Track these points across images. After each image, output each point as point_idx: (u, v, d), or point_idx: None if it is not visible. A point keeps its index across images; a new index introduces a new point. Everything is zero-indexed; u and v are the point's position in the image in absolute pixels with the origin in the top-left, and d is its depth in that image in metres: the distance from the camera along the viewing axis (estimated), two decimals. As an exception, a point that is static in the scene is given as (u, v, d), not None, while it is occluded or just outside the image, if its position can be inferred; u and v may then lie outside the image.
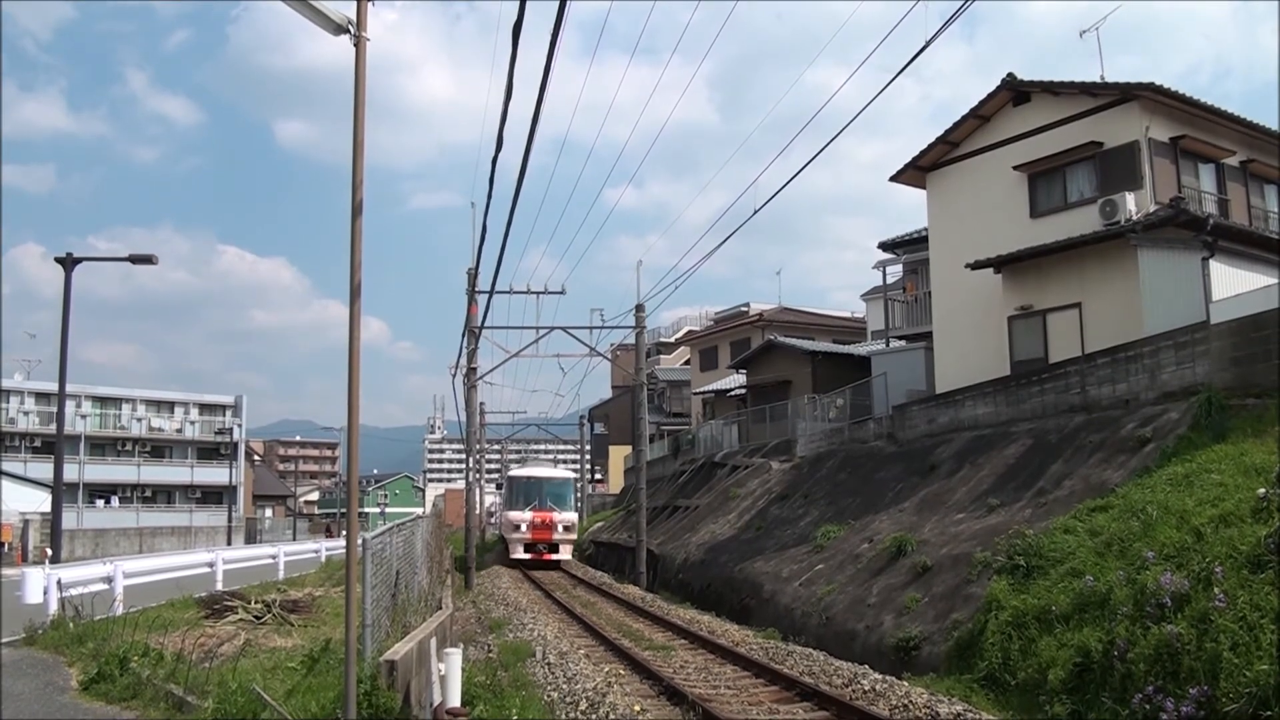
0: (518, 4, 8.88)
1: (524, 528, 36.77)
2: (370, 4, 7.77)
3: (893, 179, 28.74)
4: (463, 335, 34.58)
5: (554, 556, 36.94)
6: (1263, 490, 11.63)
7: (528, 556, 36.43)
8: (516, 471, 41.59)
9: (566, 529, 37.58)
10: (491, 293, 29.22)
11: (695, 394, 56.55)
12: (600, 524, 49.15)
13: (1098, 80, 24.17)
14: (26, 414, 71.30)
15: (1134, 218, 21.62)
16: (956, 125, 26.71)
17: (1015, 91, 25.45)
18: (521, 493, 38.24)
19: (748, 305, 62.86)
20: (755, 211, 16.36)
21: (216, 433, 78.18)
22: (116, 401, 77.45)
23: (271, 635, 15.58)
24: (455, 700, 7.68)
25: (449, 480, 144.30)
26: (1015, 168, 24.98)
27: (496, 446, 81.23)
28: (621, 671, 14.02)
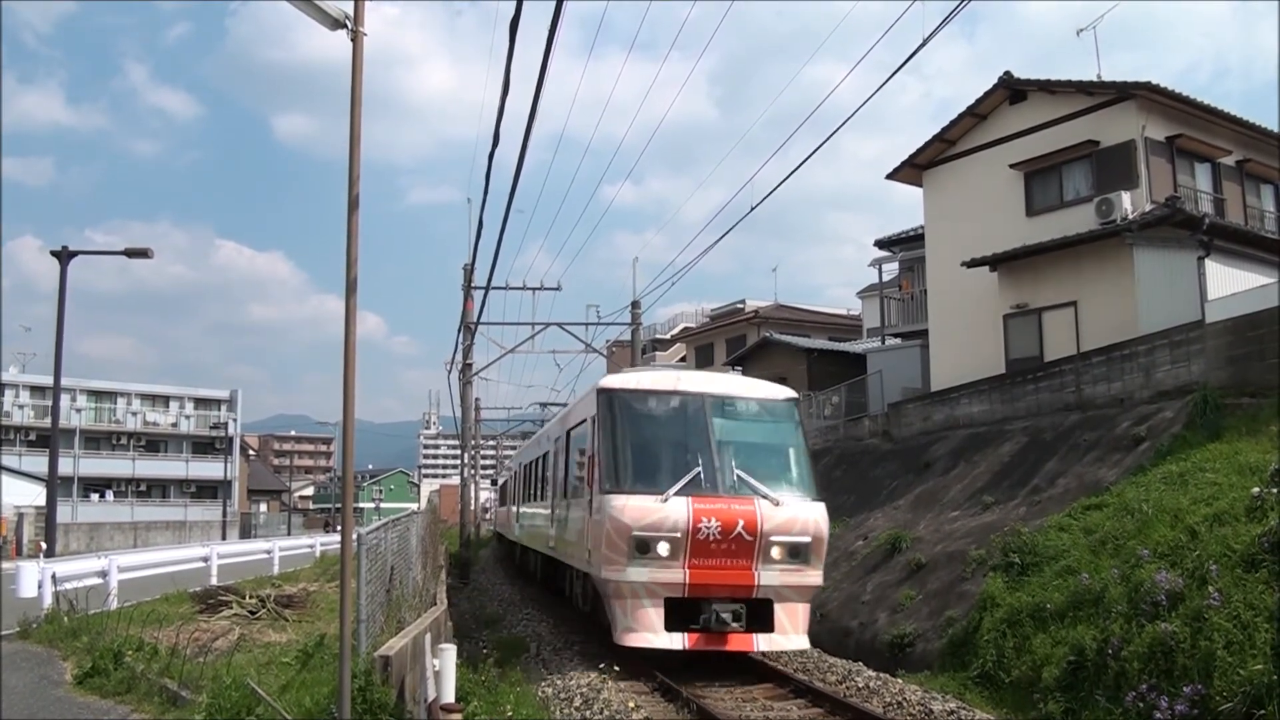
0: (515, 1, 8.88)
1: (662, 549, 12.38)
2: (367, -2, 7.76)
3: (889, 177, 28.74)
4: (459, 331, 34.58)
5: (762, 643, 12.75)
6: (1257, 489, 11.66)
7: (678, 645, 12.43)
8: (621, 381, 14.28)
9: (796, 556, 12.80)
10: (488, 288, 29.11)
11: (691, 390, 56.28)
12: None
13: (1094, 79, 24.22)
14: (21, 407, 71.22)
15: (1130, 216, 21.64)
16: (953, 123, 26.72)
17: (1012, 90, 25.46)
18: (636, 438, 13.64)
19: (743, 302, 62.86)
20: (752, 209, 16.34)
21: (211, 427, 78.12)
22: (111, 395, 77.41)
23: (266, 630, 15.58)
24: (450, 696, 7.67)
25: (444, 476, 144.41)
26: (1012, 166, 24.99)
27: (492, 442, 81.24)
28: (616, 668, 14.02)
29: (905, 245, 33.68)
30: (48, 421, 37.71)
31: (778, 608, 12.74)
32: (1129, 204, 21.83)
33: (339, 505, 9.43)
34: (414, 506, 50.60)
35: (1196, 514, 12.22)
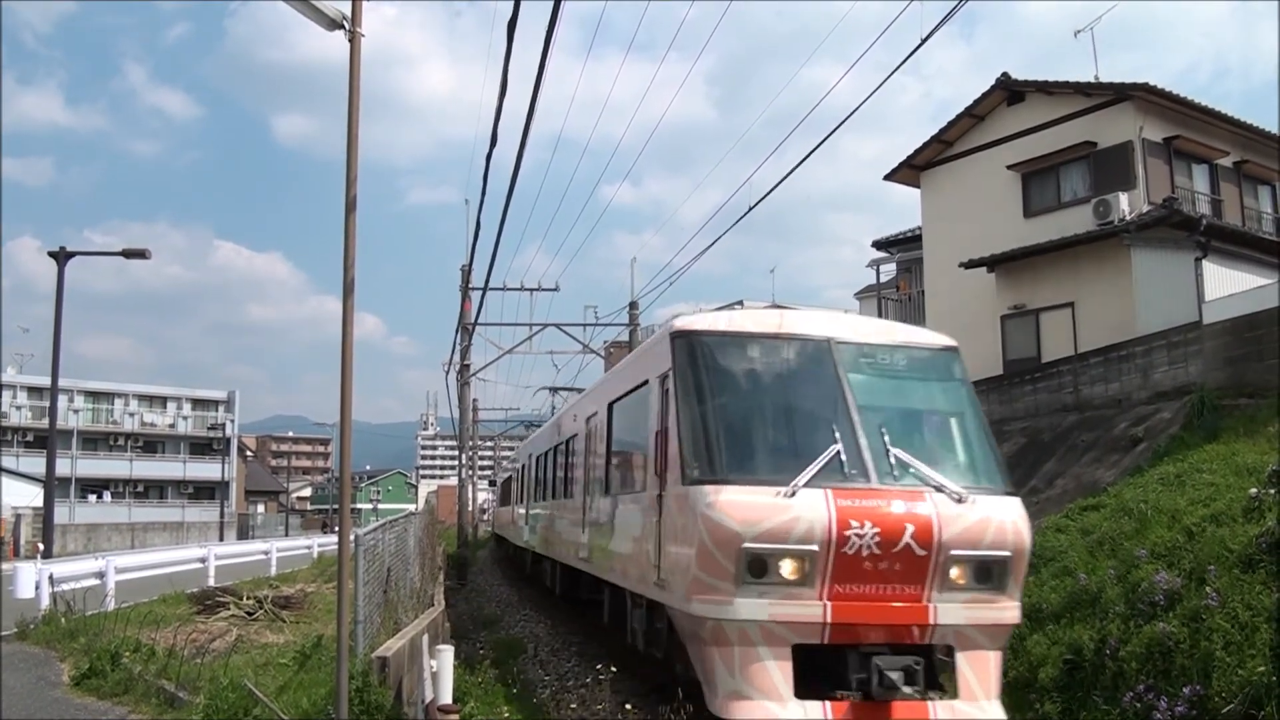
0: (513, 1, 8.89)
1: (789, 569, 8.10)
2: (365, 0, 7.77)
3: (887, 178, 28.75)
4: (456, 331, 34.59)
5: (940, 711, 7.99)
6: (1254, 490, 11.65)
7: None
8: (708, 322, 9.91)
9: (987, 580, 8.47)
10: (485, 289, 29.16)
11: (689, 391, 56.03)
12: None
13: (1092, 80, 24.23)
14: (19, 408, 71.18)
15: (1127, 218, 21.65)
16: (951, 124, 26.72)
17: (1009, 91, 25.47)
18: (737, 402, 9.31)
19: (741, 303, 62.83)
20: (750, 209, 16.35)
21: (209, 428, 78.14)
22: (109, 396, 77.43)
23: (263, 631, 15.59)
24: (447, 697, 7.68)
25: (442, 477, 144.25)
26: (1009, 167, 24.99)
27: (489, 443, 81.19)
28: (614, 669, 14.00)
29: (903, 246, 33.66)
30: (45, 422, 37.75)
31: (961, 658, 8.37)
32: (1126, 205, 21.83)
33: (337, 506, 9.42)
34: (412, 507, 50.58)
35: (1194, 515, 12.21)
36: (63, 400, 63.01)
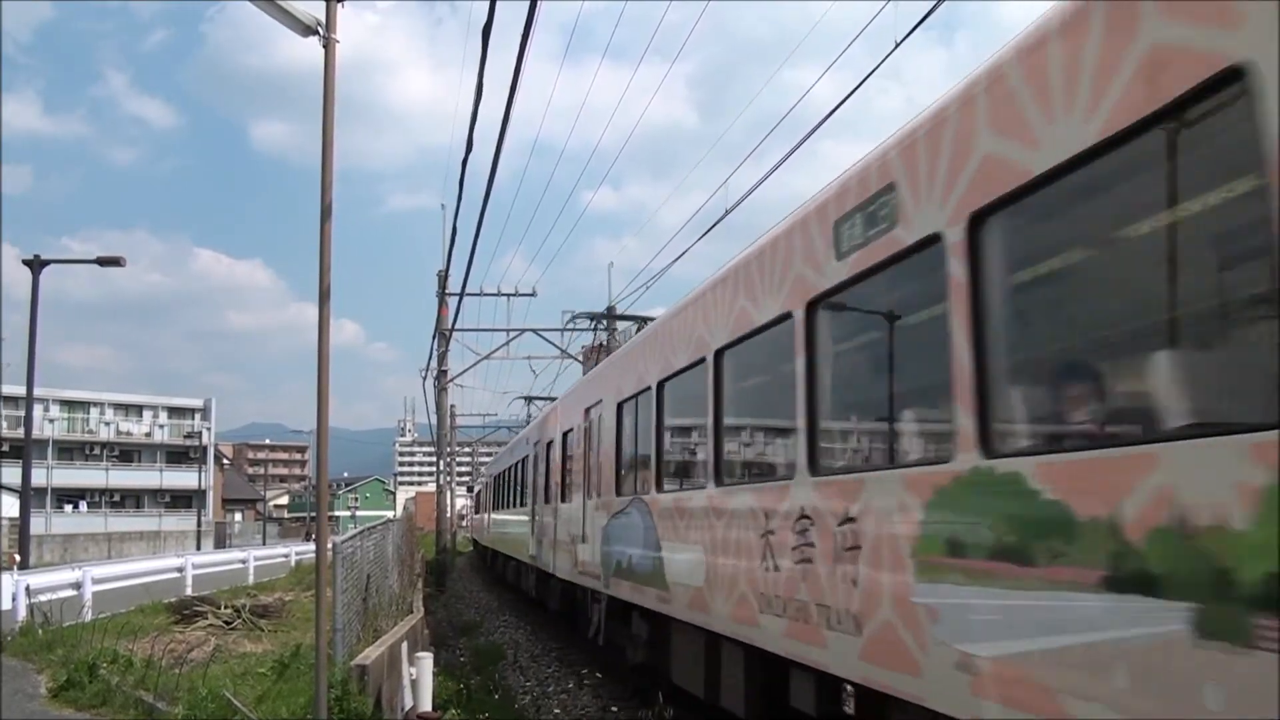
0: (488, 5, 8.92)
1: None
2: (341, 6, 7.74)
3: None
4: (433, 338, 34.54)
5: None
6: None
7: None
8: None
9: None
10: (462, 295, 29.17)
11: (668, 395, 56.10)
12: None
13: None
14: (-8, 418, 70.54)
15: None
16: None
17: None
18: None
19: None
20: (726, 212, 16.39)
21: (185, 436, 77.65)
22: (85, 405, 76.77)
23: (242, 640, 15.51)
24: (427, 704, 7.66)
25: (420, 483, 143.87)
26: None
27: (468, 449, 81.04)
28: (596, 673, 14.04)
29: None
30: (19, 432, 37.42)
31: None
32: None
33: (314, 514, 9.42)
34: (390, 514, 50.41)
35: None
36: (38, 409, 62.52)
